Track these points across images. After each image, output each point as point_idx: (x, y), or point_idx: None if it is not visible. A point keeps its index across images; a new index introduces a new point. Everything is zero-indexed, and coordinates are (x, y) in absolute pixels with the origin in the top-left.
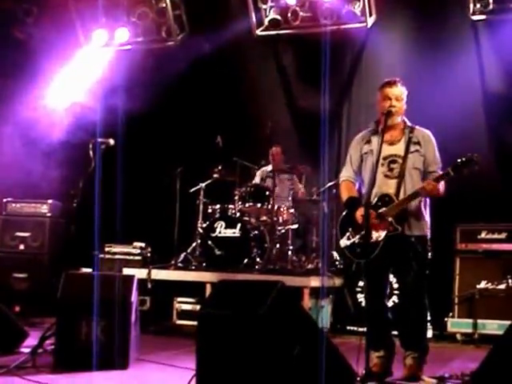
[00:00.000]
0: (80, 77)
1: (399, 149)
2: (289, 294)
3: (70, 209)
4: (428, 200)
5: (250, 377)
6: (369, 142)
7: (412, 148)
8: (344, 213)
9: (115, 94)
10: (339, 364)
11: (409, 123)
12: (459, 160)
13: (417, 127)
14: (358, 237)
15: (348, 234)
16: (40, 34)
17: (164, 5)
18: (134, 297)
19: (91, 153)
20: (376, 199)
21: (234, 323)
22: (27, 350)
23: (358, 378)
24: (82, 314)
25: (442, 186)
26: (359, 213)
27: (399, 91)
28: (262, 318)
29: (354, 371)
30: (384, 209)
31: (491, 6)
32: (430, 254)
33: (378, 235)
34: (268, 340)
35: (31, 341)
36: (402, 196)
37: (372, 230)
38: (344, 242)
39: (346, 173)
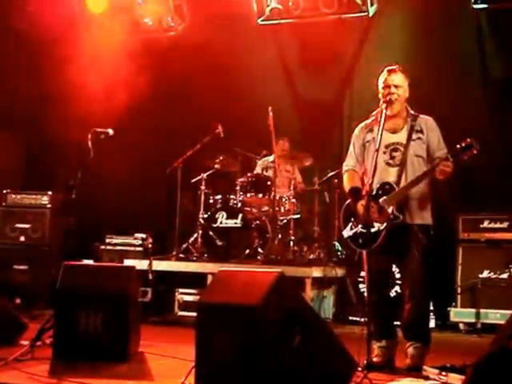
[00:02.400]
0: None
1: (401, 137)
2: (289, 284)
3: (70, 200)
4: (431, 188)
5: (250, 367)
6: (371, 130)
7: (414, 136)
8: (346, 203)
9: (115, 84)
10: (340, 354)
11: (411, 111)
12: (458, 146)
13: (420, 115)
14: (360, 227)
15: (351, 224)
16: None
17: None
18: (134, 288)
19: (90, 142)
20: (377, 188)
21: (233, 313)
22: (26, 343)
23: (360, 369)
24: (81, 305)
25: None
26: (360, 203)
27: (399, 79)
28: (262, 308)
29: (355, 361)
30: (385, 197)
31: None
32: (432, 243)
33: (380, 225)
34: (268, 330)
35: (30, 333)
36: (403, 184)
37: (373, 219)
38: (347, 233)
39: (349, 162)
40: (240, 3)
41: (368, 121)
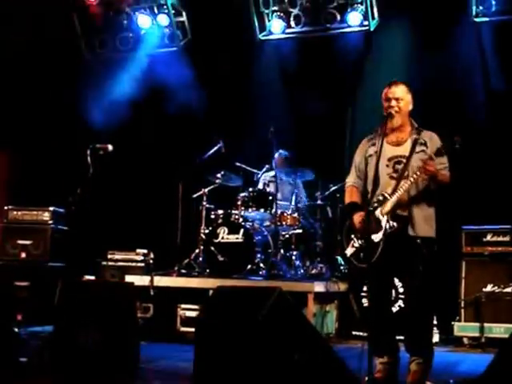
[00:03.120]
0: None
1: (404, 149)
2: (287, 300)
3: (71, 216)
4: (435, 201)
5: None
6: (374, 144)
7: (418, 148)
8: (346, 223)
9: (117, 99)
10: (341, 371)
11: (416, 125)
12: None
13: (425, 130)
14: (359, 242)
15: (352, 242)
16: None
17: (166, 11)
18: (133, 304)
19: (89, 158)
20: (373, 201)
21: (232, 330)
22: (25, 359)
23: None
24: (79, 321)
25: (446, 172)
26: (356, 217)
27: (401, 91)
28: (261, 325)
29: (356, 378)
30: (379, 209)
31: (494, 8)
32: (435, 257)
33: (377, 236)
34: (267, 347)
35: (31, 349)
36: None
37: (371, 232)
38: (349, 251)
39: (351, 178)
40: (241, 19)
41: (371, 135)
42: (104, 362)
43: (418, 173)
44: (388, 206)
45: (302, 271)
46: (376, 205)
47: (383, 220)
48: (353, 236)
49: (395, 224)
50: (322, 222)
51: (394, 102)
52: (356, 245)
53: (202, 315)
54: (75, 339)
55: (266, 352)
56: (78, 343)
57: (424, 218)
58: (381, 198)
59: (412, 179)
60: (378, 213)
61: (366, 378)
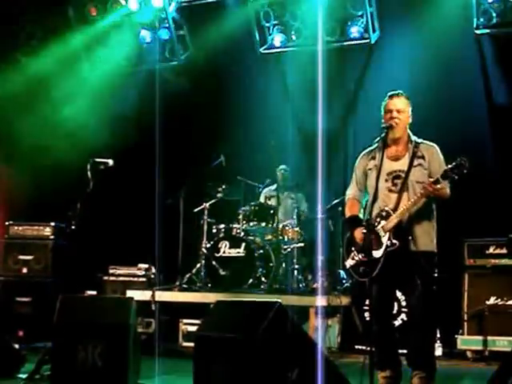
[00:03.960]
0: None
1: (403, 164)
2: (287, 314)
3: (72, 231)
4: (435, 215)
5: None
6: (374, 158)
7: (415, 162)
8: (347, 234)
9: (117, 114)
10: None
11: (413, 137)
12: (449, 166)
13: (423, 141)
14: (359, 256)
15: (352, 254)
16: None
17: (167, 25)
18: (133, 319)
19: (89, 173)
20: (375, 215)
21: (231, 345)
22: (25, 376)
23: None
24: (78, 337)
25: (446, 187)
26: (357, 232)
27: (401, 103)
28: (260, 340)
29: None
30: (382, 224)
31: (495, 20)
32: (436, 270)
33: (377, 253)
34: (266, 361)
35: (31, 366)
36: (400, 209)
37: (372, 247)
38: (349, 263)
39: (351, 191)
40: (242, 32)
41: (371, 148)
42: (103, 379)
43: (419, 194)
44: (391, 224)
45: (303, 285)
46: (378, 219)
47: (385, 237)
48: (353, 248)
49: (397, 242)
50: (323, 235)
51: (395, 114)
52: (356, 258)
53: (202, 329)
54: (74, 355)
55: (265, 366)
56: (77, 359)
57: (424, 232)
58: (384, 213)
59: (415, 199)
60: (379, 229)
61: None
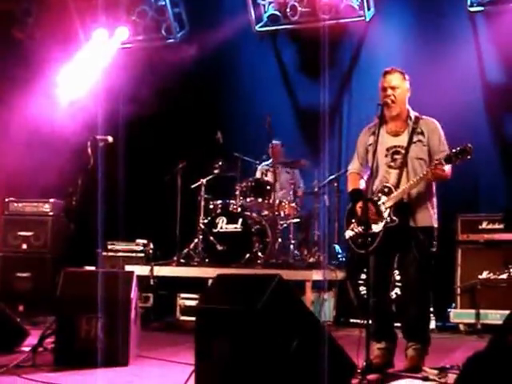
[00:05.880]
0: (81, 76)
1: (403, 140)
2: (287, 287)
3: (71, 207)
4: (434, 191)
5: (249, 371)
6: (374, 133)
7: (415, 138)
8: (349, 206)
9: (115, 92)
10: (339, 356)
11: (413, 113)
12: (454, 150)
13: (423, 117)
14: (359, 228)
15: (352, 225)
16: (40, 33)
17: (163, 3)
18: (134, 293)
19: (89, 150)
20: (377, 190)
21: (231, 318)
22: (28, 349)
23: (359, 370)
24: (81, 311)
25: (447, 169)
26: (359, 205)
27: (395, 79)
28: (260, 312)
29: (354, 363)
30: (383, 200)
31: None
32: (435, 246)
33: (377, 227)
34: (266, 334)
35: (32, 340)
36: (402, 186)
37: (372, 221)
38: (348, 233)
39: (353, 165)
40: (238, 10)
41: (371, 124)
42: (105, 351)
43: (422, 175)
44: (392, 201)
45: (299, 260)
46: (380, 194)
47: (385, 212)
48: (353, 221)
49: (396, 219)
50: (319, 210)
51: (389, 91)
52: (356, 230)
53: (203, 302)
54: (77, 328)
55: (266, 338)
56: (80, 332)
57: (423, 209)
58: (386, 189)
59: (417, 179)
60: (380, 203)
61: (364, 363)
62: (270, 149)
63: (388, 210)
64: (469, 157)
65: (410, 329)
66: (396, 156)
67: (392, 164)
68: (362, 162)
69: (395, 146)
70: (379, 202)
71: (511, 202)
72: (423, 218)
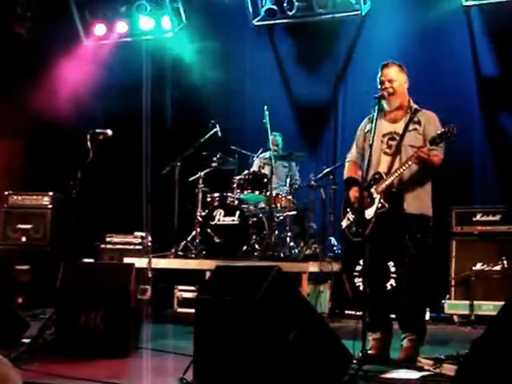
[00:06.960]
0: (80, 69)
1: (399, 127)
2: (285, 279)
3: (70, 200)
4: (429, 180)
5: (247, 361)
6: (373, 121)
7: (411, 127)
8: (345, 196)
9: (115, 86)
10: (336, 347)
11: (413, 105)
12: (437, 132)
13: (423, 110)
14: (353, 216)
15: (348, 214)
16: (40, 28)
17: None
18: (133, 285)
19: (89, 143)
20: (370, 177)
21: (230, 308)
22: (28, 341)
23: (355, 361)
24: (81, 303)
25: (436, 154)
26: (352, 192)
27: (392, 72)
28: (259, 303)
29: (350, 353)
30: (375, 186)
31: None
32: (430, 237)
33: (369, 213)
34: (265, 324)
35: (33, 331)
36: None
37: (365, 208)
38: (344, 223)
39: (351, 154)
40: (235, 5)
41: (374, 113)
42: (105, 343)
43: (410, 162)
44: (382, 186)
45: (296, 252)
46: (372, 182)
47: (376, 198)
48: (349, 209)
49: (386, 205)
50: (315, 203)
51: (387, 84)
52: (351, 218)
53: (202, 293)
54: (77, 320)
55: (264, 329)
56: (80, 323)
57: (416, 196)
58: (377, 176)
59: (407, 165)
60: (372, 190)
61: (360, 354)
62: (270, 141)
63: (378, 196)
64: (452, 137)
65: (405, 320)
66: (391, 142)
67: (387, 150)
68: (359, 151)
69: (391, 132)
70: (371, 189)
71: (505, 195)
72: (417, 206)
